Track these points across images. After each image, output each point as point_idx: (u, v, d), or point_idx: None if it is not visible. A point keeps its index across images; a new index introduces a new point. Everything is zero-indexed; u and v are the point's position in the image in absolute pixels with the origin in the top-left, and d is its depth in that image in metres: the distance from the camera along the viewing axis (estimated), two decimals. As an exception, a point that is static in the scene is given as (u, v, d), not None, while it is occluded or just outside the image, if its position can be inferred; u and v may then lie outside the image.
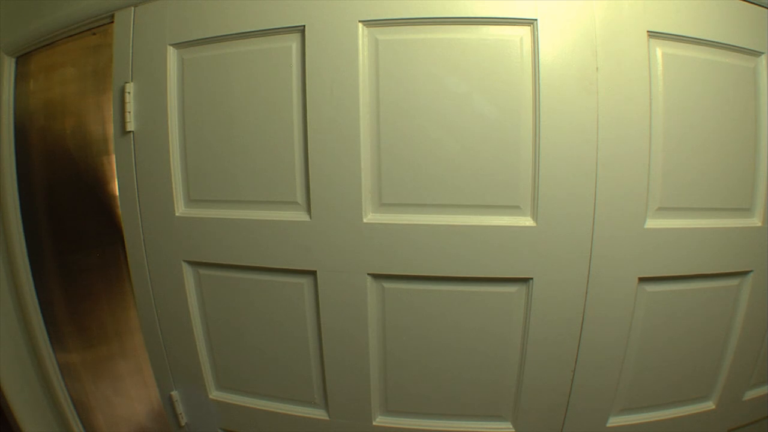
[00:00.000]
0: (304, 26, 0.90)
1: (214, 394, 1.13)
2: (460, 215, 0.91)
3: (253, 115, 0.95)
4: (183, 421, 1.16)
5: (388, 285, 0.96)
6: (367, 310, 0.97)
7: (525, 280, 0.92)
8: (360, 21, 0.88)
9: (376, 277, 0.96)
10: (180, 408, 1.15)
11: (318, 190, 0.94)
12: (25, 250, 1.33)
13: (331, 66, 0.90)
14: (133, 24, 1.00)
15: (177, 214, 1.03)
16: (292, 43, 0.92)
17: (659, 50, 0.87)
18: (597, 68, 0.84)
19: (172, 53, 0.98)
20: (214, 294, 1.06)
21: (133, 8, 1.00)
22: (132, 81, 1.01)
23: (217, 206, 1.01)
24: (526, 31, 0.85)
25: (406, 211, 0.92)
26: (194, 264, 1.05)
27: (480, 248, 0.91)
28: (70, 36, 1.14)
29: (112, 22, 1.03)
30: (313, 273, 0.97)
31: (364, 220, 0.93)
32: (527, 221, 0.89)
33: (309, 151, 0.93)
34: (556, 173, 0.86)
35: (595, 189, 0.86)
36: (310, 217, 0.95)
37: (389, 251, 0.93)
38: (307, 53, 0.90)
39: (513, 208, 0.89)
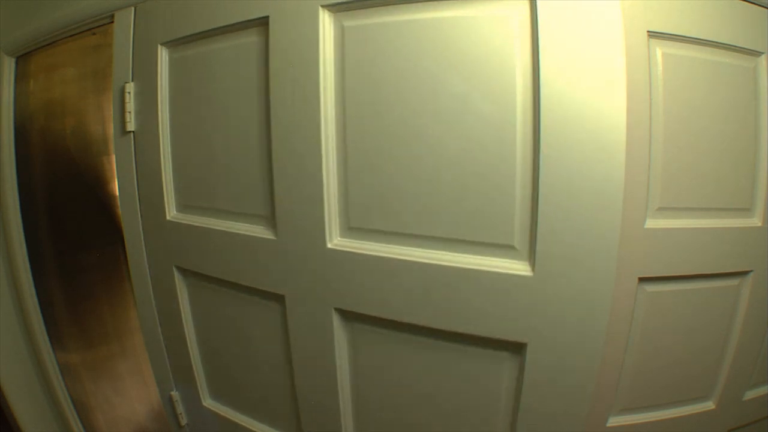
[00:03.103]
0: (267, 17, 0.79)
1: (208, 402, 1.11)
2: (440, 251, 0.74)
3: (225, 118, 0.91)
4: (183, 421, 1.16)
5: (358, 325, 0.83)
6: (334, 349, 0.85)
7: (518, 346, 0.72)
8: (322, 6, 0.75)
9: (344, 314, 0.84)
10: (180, 408, 1.15)
11: (282, 205, 0.83)
12: (25, 250, 1.33)
13: (291, 62, 0.79)
14: (133, 24, 1.00)
15: (168, 218, 1.01)
16: (257, 37, 0.82)
17: (659, 50, 0.87)
18: (597, 68, 0.83)
19: (162, 52, 0.96)
20: (202, 302, 1.04)
21: (133, 8, 1.00)
22: (132, 81, 1.01)
23: (200, 213, 0.98)
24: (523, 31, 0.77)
25: (376, 238, 0.78)
26: (183, 270, 1.03)
27: (464, 296, 0.73)
28: (70, 36, 1.14)
29: (112, 22, 1.03)
30: (281, 298, 0.89)
31: (329, 245, 0.80)
32: (524, 269, 0.70)
33: (273, 161, 0.83)
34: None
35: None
36: (276, 236, 0.85)
37: (357, 285, 0.79)
38: (270, 49, 0.80)
39: (506, 249, 0.72)
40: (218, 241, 0.94)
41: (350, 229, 0.80)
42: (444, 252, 0.74)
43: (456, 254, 0.73)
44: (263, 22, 0.81)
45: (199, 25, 0.90)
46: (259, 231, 0.89)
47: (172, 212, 1.02)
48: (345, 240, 0.81)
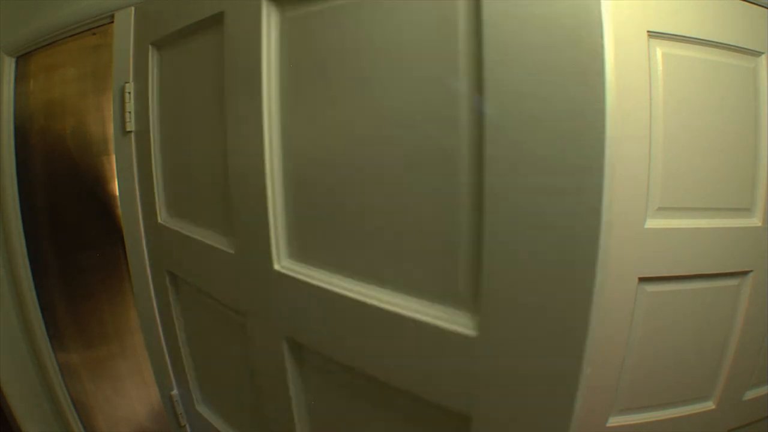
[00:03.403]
0: (223, 13, 0.73)
1: (200, 407, 1.11)
2: (383, 288, 0.61)
3: (198, 121, 0.89)
4: (183, 421, 1.16)
5: (308, 358, 0.75)
6: (287, 379, 0.76)
7: (462, 419, 0.54)
8: None
9: (293, 344, 0.75)
10: (180, 408, 1.15)
11: (236, 215, 0.77)
12: (25, 250, 1.33)
13: (238, 60, 0.72)
14: (133, 24, 1.00)
15: (159, 221, 1.00)
16: (217, 35, 0.77)
17: (659, 50, 0.87)
18: (597, 68, 0.83)
19: (153, 52, 0.95)
20: (189, 308, 1.02)
21: (133, 8, 1.00)
22: (132, 81, 1.01)
23: (183, 219, 0.96)
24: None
25: (324, 264, 0.67)
26: (172, 275, 1.02)
27: (399, 345, 0.59)
28: (70, 36, 1.14)
29: (112, 22, 1.03)
30: (244, 315, 0.84)
31: (275, 267, 0.71)
32: (467, 324, 0.52)
33: (228, 165, 0.78)
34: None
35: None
36: (234, 250, 0.79)
37: (302, 314, 0.71)
38: (225, 48, 0.74)
39: (449, 294, 0.55)
40: (195, 248, 0.90)
41: (299, 250, 0.70)
42: (385, 291, 0.60)
43: (398, 295, 0.59)
44: (219, 20, 0.75)
45: (174, 24, 0.87)
46: (222, 243, 0.82)
47: (162, 216, 1.00)
48: (293, 263, 0.71)
